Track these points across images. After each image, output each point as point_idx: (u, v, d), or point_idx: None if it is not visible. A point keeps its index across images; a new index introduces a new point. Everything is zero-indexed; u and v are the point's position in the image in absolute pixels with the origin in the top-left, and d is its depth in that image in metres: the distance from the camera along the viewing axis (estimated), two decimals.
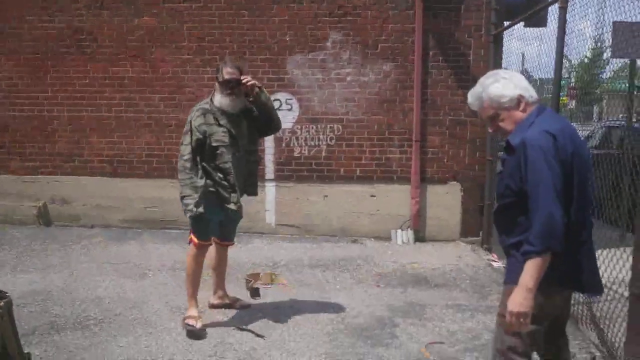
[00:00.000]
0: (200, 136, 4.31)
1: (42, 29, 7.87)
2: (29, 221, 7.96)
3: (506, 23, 7.50)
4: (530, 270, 2.45)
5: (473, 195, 7.62)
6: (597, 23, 6.11)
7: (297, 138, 7.71)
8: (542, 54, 6.84)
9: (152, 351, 4.12)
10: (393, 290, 5.58)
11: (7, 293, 3.82)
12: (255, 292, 5.22)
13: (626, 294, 3.80)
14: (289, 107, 7.66)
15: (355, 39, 7.56)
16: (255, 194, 4.81)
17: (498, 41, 7.40)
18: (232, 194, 4.42)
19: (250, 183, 4.71)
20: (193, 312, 4.56)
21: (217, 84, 4.45)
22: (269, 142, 7.65)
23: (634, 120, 6.24)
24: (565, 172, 2.48)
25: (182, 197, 4.32)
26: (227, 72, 4.37)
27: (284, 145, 7.67)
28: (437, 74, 7.56)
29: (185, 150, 4.34)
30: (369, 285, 5.74)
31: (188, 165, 4.30)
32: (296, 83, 7.65)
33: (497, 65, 7.36)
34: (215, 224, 4.60)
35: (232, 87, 4.35)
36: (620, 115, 6.60)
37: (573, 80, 11.05)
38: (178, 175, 4.39)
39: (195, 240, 4.53)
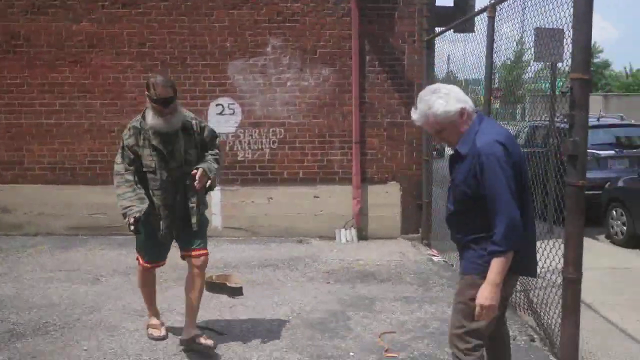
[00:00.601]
0: (133, 156, 4.05)
1: None
2: None
3: (437, 29, 7.93)
4: (497, 268, 2.73)
5: (411, 194, 7.99)
6: (520, 28, 6.57)
7: (240, 142, 7.87)
8: (468, 55, 7.29)
9: (118, 353, 4.20)
10: (342, 286, 5.83)
11: None
12: (237, 291, 5.43)
13: (559, 280, 4.16)
14: (232, 111, 7.81)
15: (294, 45, 7.80)
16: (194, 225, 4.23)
17: (430, 46, 7.79)
18: (161, 221, 4.14)
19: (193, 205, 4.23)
20: (153, 321, 4.55)
21: (148, 102, 4.01)
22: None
23: (557, 119, 6.70)
24: (515, 175, 2.78)
25: (124, 209, 3.99)
26: (159, 91, 3.91)
27: (227, 149, 7.81)
28: (374, 78, 7.89)
29: (120, 168, 4.08)
30: (319, 282, 5.97)
31: (130, 177, 4.05)
32: (238, 88, 7.81)
33: (430, 69, 7.75)
34: (157, 246, 4.29)
35: (165, 105, 3.92)
36: (544, 116, 7.06)
37: (497, 81, 11.64)
38: (116, 191, 4.07)
39: (140, 260, 4.39)
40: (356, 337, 4.54)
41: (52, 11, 7.69)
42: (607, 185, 8.69)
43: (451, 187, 3.00)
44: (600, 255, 7.45)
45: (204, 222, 4.36)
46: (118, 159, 4.10)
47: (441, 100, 2.84)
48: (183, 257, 4.29)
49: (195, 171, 4.02)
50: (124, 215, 3.96)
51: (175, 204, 4.15)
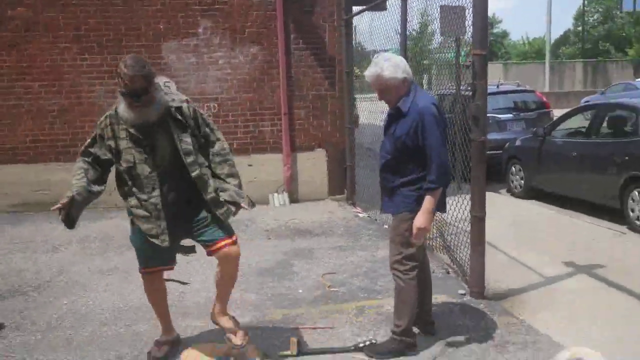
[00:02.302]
0: (105, 151, 3.56)
1: None
2: None
3: (355, 8, 8.71)
4: (431, 200, 3.53)
5: (336, 159, 8.81)
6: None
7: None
8: (375, 29, 8.12)
9: (96, 304, 4.80)
10: (283, 241, 6.59)
11: None
12: (190, 249, 6.03)
13: (468, 229, 5.05)
14: (168, 89, 8.29)
15: (224, 26, 8.38)
16: (222, 216, 3.72)
17: (349, 24, 8.56)
18: (154, 225, 3.59)
19: (195, 206, 3.69)
20: (160, 337, 4.04)
21: (118, 92, 3.44)
22: None
23: (462, 88, 7.52)
24: (443, 130, 3.60)
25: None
26: (127, 81, 3.28)
27: None
28: (298, 55, 8.60)
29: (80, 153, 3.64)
30: (261, 240, 6.71)
31: (81, 164, 3.58)
32: (172, 67, 8.34)
33: (349, 45, 8.53)
34: (151, 248, 3.72)
35: (136, 98, 3.33)
36: (451, 84, 7.91)
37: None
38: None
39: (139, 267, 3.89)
40: (302, 279, 5.32)
41: None
42: (506, 145, 9.80)
43: (388, 139, 3.76)
44: (502, 206, 8.56)
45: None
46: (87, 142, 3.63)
47: (391, 67, 3.60)
48: (210, 254, 3.84)
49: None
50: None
51: (168, 202, 3.58)
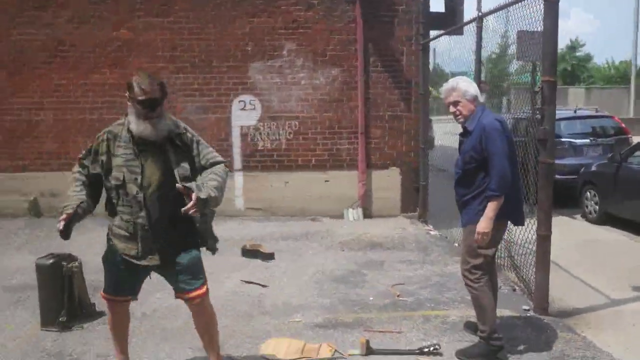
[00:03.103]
0: (95, 166, 3.49)
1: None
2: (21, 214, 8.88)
3: (432, 32, 9.03)
4: (492, 207, 3.84)
5: (410, 178, 9.10)
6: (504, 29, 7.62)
7: (260, 134, 8.96)
8: (452, 52, 8.42)
9: None
10: (355, 253, 6.94)
11: (76, 257, 4.93)
12: (269, 256, 6.56)
13: (535, 249, 5.25)
14: (253, 107, 8.89)
15: (307, 48, 8.88)
16: (211, 248, 3.81)
17: (425, 48, 8.89)
18: (133, 245, 3.50)
19: (188, 233, 3.62)
20: None
21: (131, 104, 3.38)
22: (235, 138, 8.89)
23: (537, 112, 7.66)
24: (507, 145, 3.89)
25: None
26: (146, 89, 3.30)
27: (249, 140, 8.91)
28: (376, 77, 8.99)
29: (76, 167, 3.56)
30: (335, 250, 7.08)
31: (79, 176, 3.51)
32: (258, 86, 8.89)
33: (425, 67, 8.86)
34: (119, 273, 3.62)
35: (152, 108, 3.32)
36: (526, 108, 8.06)
37: (483, 74, 12.72)
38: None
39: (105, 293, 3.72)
40: (372, 287, 5.65)
41: (93, 20, 8.75)
42: (582, 170, 9.81)
43: (460, 157, 4.12)
44: (575, 230, 8.63)
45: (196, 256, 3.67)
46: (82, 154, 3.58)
47: (466, 83, 4.06)
48: (178, 298, 3.70)
49: (180, 186, 3.37)
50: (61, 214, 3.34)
51: (153, 226, 3.49)
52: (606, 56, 61.71)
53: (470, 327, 4.54)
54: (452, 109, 4.11)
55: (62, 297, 4.65)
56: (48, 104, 8.78)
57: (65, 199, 3.39)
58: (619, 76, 46.84)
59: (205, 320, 3.77)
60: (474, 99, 4.02)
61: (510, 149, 3.98)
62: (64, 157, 8.87)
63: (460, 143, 4.19)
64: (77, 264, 4.80)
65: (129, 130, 3.42)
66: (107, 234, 3.60)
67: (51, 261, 4.61)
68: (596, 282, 5.96)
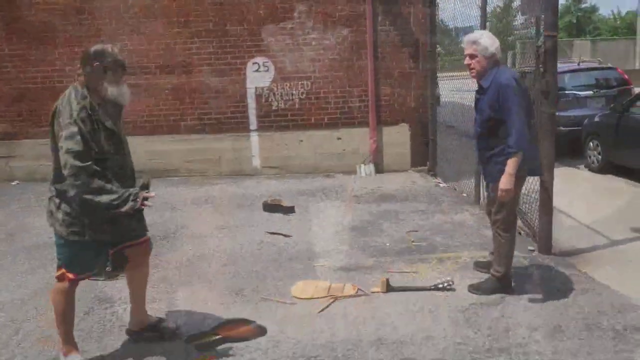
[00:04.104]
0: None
1: None
2: None
3: None
4: (512, 164, 4.10)
5: (419, 133, 9.45)
6: None
7: (274, 94, 9.29)
8: (457, 7, 8.64)
9: (216, 250, 5.73)
10: (370, 205, 7.35)
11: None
12: (290, 209, 6.99)
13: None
14: (266, 68, 9.20)
15: (317, 10, 9.14)
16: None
17: (433, 6, 9.13)
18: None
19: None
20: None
21: (104, 70, 3.37)
22: (250, 99, 9.23)
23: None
24: (522, 101, 4.14)
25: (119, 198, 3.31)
26: (119, 52, 3.48)
27: (263, 101, 9.25)
28: (385, 36, 9.26)
29: (85, 159, 3.25)
30: (351, 203, 7.49)
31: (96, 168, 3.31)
32: (271, 48, 9.18)
33: (432, 25, 9.12)
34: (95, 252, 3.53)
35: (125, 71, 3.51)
36: (532, 62, 8.31)
37: (488, 29, 12.91)
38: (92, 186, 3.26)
39: (69, 274, 3.52)
40: (388, 235, 6.07)
41: None
42: (585, 122, 10.12)
43: (478, 114, 4.40)
44: (578, 179, 9.03)
45: None
46: (75, 147, 3.23)
47: (489, 40, 4.25)
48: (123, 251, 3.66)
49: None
50: (124, 203, 3.29)
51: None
52: (612, 7, 60.92)
53: (479, 265, 4.97)
54: (467, 60, 4.34)
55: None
56: (70, 72, 9.11)
57: (105, 192, 3.28)
58: (625, 27, 46.49)
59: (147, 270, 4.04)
60: (491, 57, 4.22)
61: (527, 104, 4.25)
62: None
63: (477, 100, 4.44)
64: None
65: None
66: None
67: None
68: (597, 226, 6.36)
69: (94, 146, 3.30)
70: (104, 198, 3.28)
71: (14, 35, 9.13)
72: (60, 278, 3.55)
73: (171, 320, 4.12)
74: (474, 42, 4.25)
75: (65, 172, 3.26)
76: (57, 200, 3.47)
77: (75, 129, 3.25)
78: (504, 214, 4.40)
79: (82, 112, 3.30)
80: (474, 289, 4.52)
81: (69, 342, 3.63)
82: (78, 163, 3.23)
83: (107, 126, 3.41)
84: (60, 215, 3.44)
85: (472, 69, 4.33)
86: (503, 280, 4.48)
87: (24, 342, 3.96)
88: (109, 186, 3.31)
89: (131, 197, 3.31)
